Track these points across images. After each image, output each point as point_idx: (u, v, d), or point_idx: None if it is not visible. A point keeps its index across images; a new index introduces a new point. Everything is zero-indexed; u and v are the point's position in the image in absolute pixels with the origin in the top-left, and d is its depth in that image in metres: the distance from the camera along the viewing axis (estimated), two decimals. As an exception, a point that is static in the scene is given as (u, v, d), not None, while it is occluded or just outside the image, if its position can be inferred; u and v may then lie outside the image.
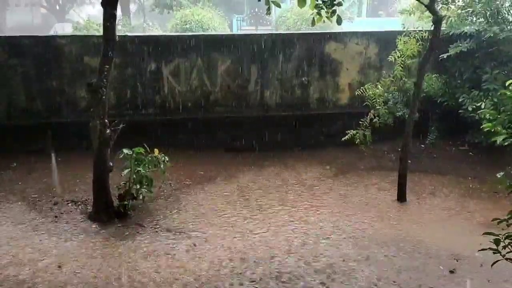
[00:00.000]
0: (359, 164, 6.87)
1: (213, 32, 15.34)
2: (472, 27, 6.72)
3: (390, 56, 6.63)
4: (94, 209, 5.05)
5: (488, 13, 6.76)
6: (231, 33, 21.22)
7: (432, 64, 6.80)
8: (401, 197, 5.67)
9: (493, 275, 3.98)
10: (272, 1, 4.17)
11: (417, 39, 6.50)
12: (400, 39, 6.56)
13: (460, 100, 6.79)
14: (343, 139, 6.20)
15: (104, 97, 4.73)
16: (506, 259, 2.91)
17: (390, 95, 6.67)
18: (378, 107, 6.37)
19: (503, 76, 6.43)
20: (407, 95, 6.72)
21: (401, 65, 6.51)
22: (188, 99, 7.33)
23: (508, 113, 3.07)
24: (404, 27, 6.90)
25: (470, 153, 7.15)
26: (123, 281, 3.88)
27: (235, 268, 4.10)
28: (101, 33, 4.89)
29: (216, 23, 17.20)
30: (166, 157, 5.17)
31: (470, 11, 6.94)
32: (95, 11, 33.90)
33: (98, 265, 4.11)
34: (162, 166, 5.14)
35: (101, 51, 4.73)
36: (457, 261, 4.29)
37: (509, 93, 3.06)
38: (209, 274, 3.99)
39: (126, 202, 5.07)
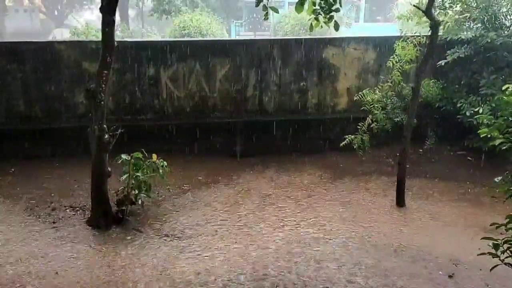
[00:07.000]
0: (358, 169, 6.88)
1: (212, 38, 15.39)
2: (470, 32, 6.75)
3: (388, 62, 6.67)
4: (92, 214, 5.04)
5: (485, 18, 6.80)
6: (229, 38, 21.36)
7: (430, 70, 6.83)
8: (400, 202, 5.67)
9: (492, 279, 3.98)
10: (270, 7, 4.18)
11: (415, 44, 6.55)
12: (398, 44, 6.62)
13: (458, 105, 6.80)
14: (341, 144, 6.21)
15: (102, 102, 4.73)
16: (505, 263, 2.91)
17: (388, 100, 6.69)
18: (376, 112, 6.40)
19: (501, 81, 6.46)
20: (405, 100, 6.74)
21: (399, 70, 6.55)
22: (187, 104, 7.34)
23: (505, 118, 3.08)
24: (402, 33, 6.95)
25: (469, 158, 7.16)
26: (120, 287, 3.87)
27: (234, 274, 4.09)
28: (99, 38, 4.90)
29: (215, 29, 17.27)
30: (164, 162, 5.17)
31: (467, 17, 6.98)
32: (94, 17, 34.12)
33: (95, 271, 4.10)
34: (161, 171, 5.13)
35: (100, 56, 4.74)
36: (456, 265, 4.30)
37: (505, 98, 3.07)
38: (207, 280, 3.98)
39: (124, 208, 5.07)
